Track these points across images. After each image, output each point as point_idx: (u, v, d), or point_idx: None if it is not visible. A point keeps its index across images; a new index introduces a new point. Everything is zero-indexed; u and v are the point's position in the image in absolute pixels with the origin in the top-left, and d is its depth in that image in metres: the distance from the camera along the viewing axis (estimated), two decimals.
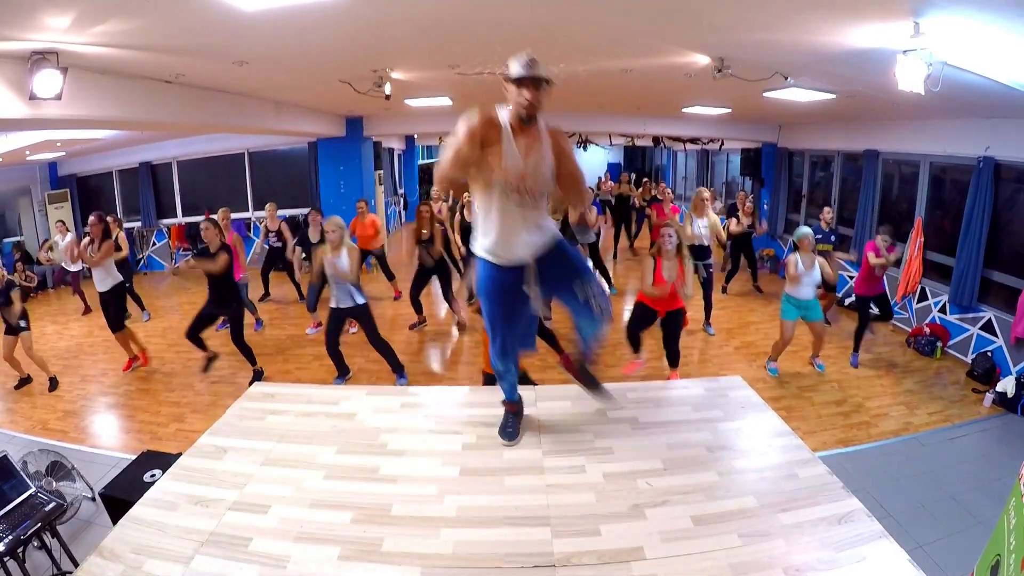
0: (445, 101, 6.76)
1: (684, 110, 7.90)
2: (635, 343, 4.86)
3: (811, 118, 7.72)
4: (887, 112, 6.00)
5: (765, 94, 5.30)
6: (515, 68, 1.83)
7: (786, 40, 3.53)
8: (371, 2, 2.91)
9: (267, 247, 7.21)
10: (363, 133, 8.97)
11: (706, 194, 5.92)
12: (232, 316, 4.97)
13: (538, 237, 1.97)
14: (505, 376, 2.28)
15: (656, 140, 12.35)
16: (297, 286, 7.34)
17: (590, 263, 6.34)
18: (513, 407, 2.33)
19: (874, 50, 3.33)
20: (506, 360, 2.22)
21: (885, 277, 5.35)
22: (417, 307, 6.19)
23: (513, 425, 2.28)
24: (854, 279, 5.39)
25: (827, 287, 6.12)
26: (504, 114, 1.87)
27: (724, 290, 7.66)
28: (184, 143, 9.43)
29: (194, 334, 4.89)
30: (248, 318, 6.35)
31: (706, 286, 6.04)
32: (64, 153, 9.10)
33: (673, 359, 4.72)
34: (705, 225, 5.83)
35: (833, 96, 5.24)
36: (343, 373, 4.86)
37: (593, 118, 9.40)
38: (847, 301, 7.16)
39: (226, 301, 4.90)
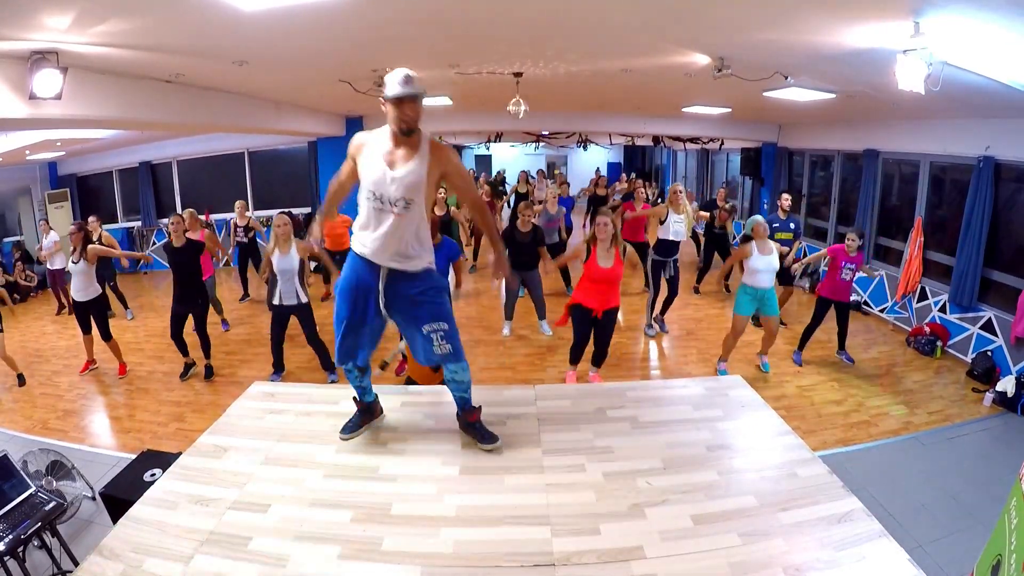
0: (445, 101, 6.75)
1: (684, 110, 7.90)
2: (576, 356, 4.65)
3: (811, 118, 7.72)
4: (887, 112, 6.00)
5: (765, 94, 5.30)
6: (392, 88, 1.92)
7: (786, 40, 3.53)
8: (371, 2, 2.91)
9: (237, 243, 7.23)
10: None
11: (679, 188, 5.82)
12: (196, 312, 5.05)
13: (403, 248, 2.00)
14: (349, 377, 2.24)
15: (656, 140, 12.32)
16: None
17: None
18: (360, 404, 2.27)
19: (874, 50, 3.33)
20: (347, 361, 2.17)
21: (857, 282, 5.18)
22: None
23: (353, 420, 2.24)
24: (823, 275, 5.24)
25: (783, 278, 6.01)
26: (380, 132, 2.04)
27: (696, 290, 7.55)
28: (184, 143, 9.43)
29: (177, 335, 5.04)
30: (213, 317, 6.41)
31: (672, 283, 5.91)
32: (64, 153, 9.09)
33: (599, 359, 4.59)
34: (679, 220, 5.62)
35: (833, 96, 5.23)
36: (279, 370, 4.91)
37: (593, 118, 9.40)
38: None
39: (191, 297, 4.98)
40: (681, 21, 3.39)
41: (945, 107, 5.09)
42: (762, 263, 4.68)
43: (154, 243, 9.91)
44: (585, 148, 13.92)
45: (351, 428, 2.23)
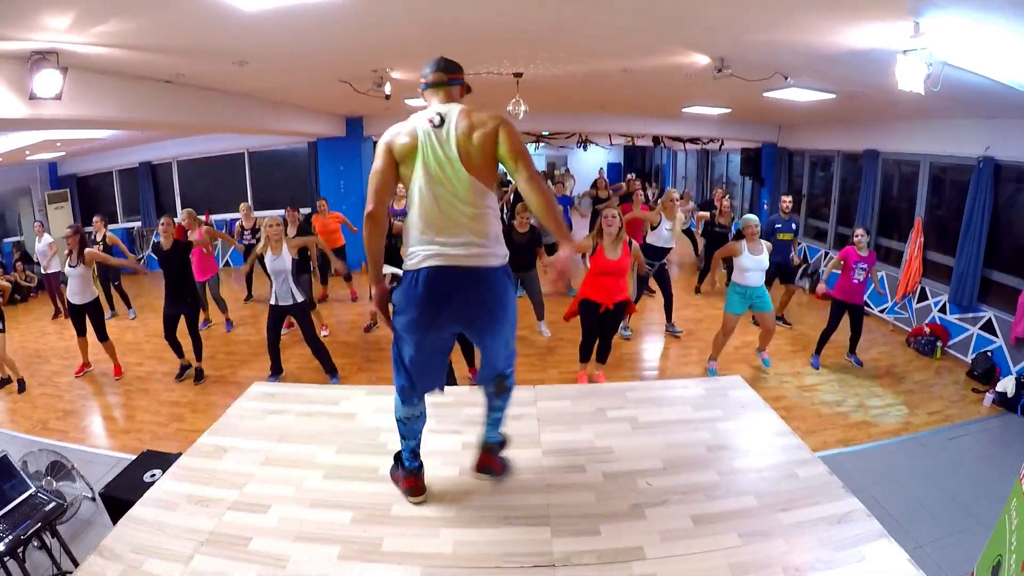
0: None
1: (684, 110, 7.89)
2: (585, 354, 4.61)
3: (811, 118, 7.71)
4: (887, 112, 6.00)
5: (765, 94, 5.29)
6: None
7: (786, 40, 3.53)
8: (371, 2, 2.91)
9: (243, 244, 7.16)
10: (363, 133, 8.97)
11: (675, 195, 5.86)
12: (187, 312, 5.03)
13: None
14: (409, 431, 1.89)
15: (656, 140, 12.33)
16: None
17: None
18: (411, 480, 1.90)
19: (874, 50, 3.33)
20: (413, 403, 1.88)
21: (869, 286, 5.12)
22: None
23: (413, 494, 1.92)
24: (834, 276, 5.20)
25: (784, 278, 6.11)
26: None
27: (697, 291, 7.55)
28: (184, 143, 9.43)
29: (170, 337, 5.03)
30: (218, 316, 6.46)
31: (662, 282, 5.93)
32: (64, 153, 9.09)
33: (604, 355, 4.57)
34: (669, 228, 5.71)
35: (833, 96, 5.23)
36: (276, 372, 4.87)
37: (593, 118, 9.40)
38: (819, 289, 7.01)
39: (181, 297, 4.97)
40: (681, 21, 3.39)
41: (945, 107, 5.09)
42: (751, 262, 4.66)
43: (154, 243, 9.91)
44: (585, 148, 13.92)
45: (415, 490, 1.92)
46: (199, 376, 5.14)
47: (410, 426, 1.88)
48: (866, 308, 6.83)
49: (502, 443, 2.03)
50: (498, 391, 1.92)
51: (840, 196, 7.95)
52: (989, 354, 5.19)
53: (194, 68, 4.22)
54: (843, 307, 5.15)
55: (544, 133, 12.40)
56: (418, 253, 1.70)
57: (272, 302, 4.66)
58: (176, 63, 3.99)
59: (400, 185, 1.81)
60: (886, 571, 1.57)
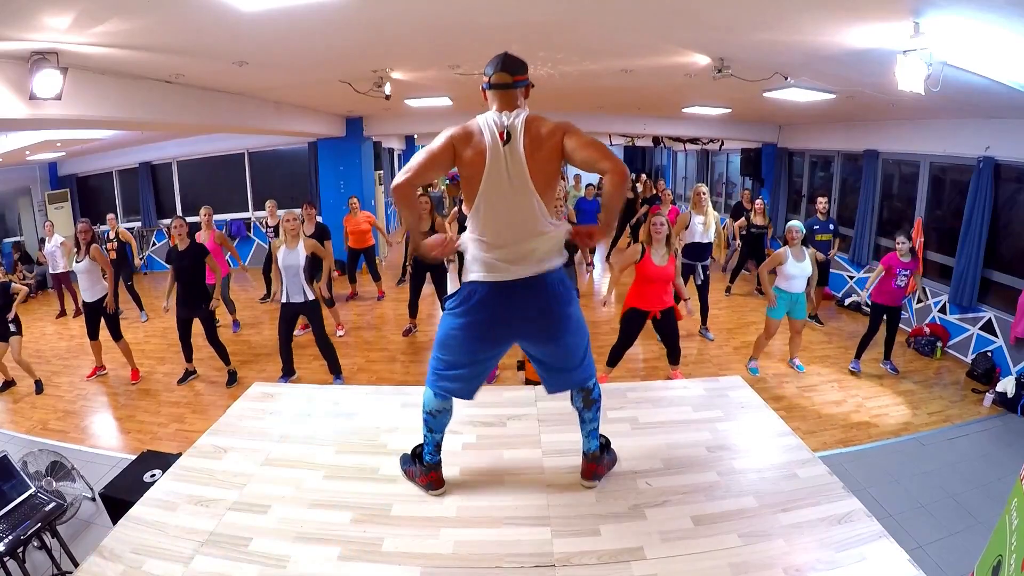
0: (445, 101, 6.75)
1: (684, 110, 7.90)
2: (615, 359, 4.60)
3: (811, 118, 7.72)
4: (887, 112, 6.00)
5: (765, 94, 5.30)
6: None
7: (786, 40, 3.54)
8: (371, 2, 2.91)
9: (267, 245, 7.18)
10: (363, 133, 8.97)
11: (703, 189, 5.85)
12: (202, 317, 4.92)
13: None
14: (437, 425, 1.92)
15: (656, 140, 12.34)
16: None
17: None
18: (432, 474, 1.94)
19: (874, 50, 3.33)
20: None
21: (858, 282, 5.21)
22: (414, 311, 6.03)
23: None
24: (872, 284, 5.13)
25: (820, 279, 6.09)
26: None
27: (728, 291, 7.65)
28: (184, 143, 9.43)
29: (184, 340, 4.99)
30: (226, 318, 6.42)
31: (702, 289, 5.95)
32: (64, 153, 9.08)
33: (675, 357, 4.63)
34: (702, 222, 5.68)
35: (833, 96, 5.23)
36: (288, 373, 4.81)
37: (593, 118, 9.40)
38: (847, 301, 7.16)
39: (195, 302, 4.86)
40: (681, 21, 3.39)
41: (945, 107, 5.09)
42: (795, 269, 4.75)
43: (154, 243, 9.91)
44: None
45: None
46: (232, 379, 5.04)
47: (439, 420, 1.90)
48: (866, 309, 6.88)
49: (603, 446, 2.02)
50: (586, 404, 1.91)
51: (840, 196, 7.96)
52: (989, 354, 5.19)
53: (194, 68, 4.22)
54: (882, 310, 5.10)
55: None
56: (479, 267, 1.73)
57: (283, 300, 4.59)
58: (176, 63, 3.99)
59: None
60: (886, 571, 1.57)
